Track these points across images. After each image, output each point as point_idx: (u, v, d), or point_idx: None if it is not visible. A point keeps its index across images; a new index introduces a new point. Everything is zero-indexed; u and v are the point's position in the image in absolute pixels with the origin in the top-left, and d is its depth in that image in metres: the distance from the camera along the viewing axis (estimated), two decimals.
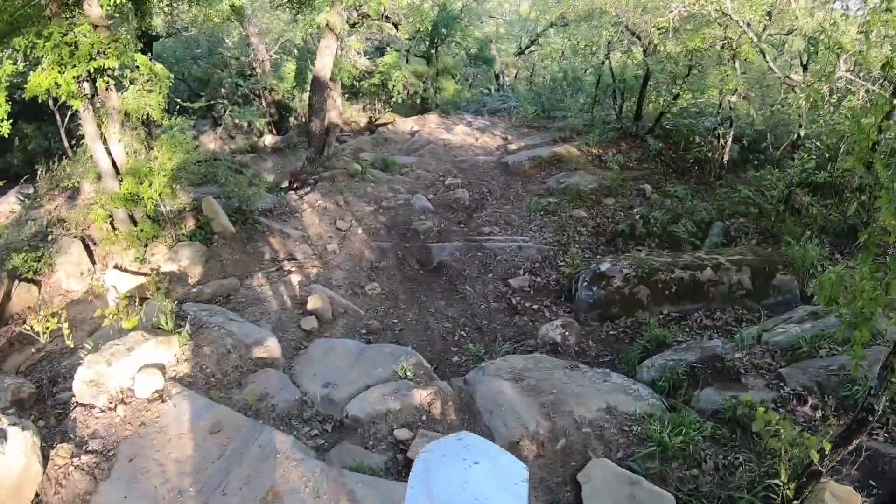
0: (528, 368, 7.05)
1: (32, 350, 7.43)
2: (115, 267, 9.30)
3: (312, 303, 8.69)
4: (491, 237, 11.33)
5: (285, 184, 14.53)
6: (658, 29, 12.98)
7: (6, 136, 8.25)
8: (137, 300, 8.72)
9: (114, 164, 9.49)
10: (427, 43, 22.82)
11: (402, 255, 10.61)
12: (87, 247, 9.85)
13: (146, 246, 9.57)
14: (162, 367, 6.71)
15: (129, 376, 6.45)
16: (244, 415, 6.19)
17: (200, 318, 7.71)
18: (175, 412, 6.14)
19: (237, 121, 19.59)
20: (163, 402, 6.30)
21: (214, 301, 8.90)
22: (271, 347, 7.35)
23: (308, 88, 19.24)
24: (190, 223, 9.99)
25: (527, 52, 29.13)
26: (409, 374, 6.87)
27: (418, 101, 21.24)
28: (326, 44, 15.22)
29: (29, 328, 7.00)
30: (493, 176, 14.33)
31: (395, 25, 18.33)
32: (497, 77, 27.51)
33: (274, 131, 18.88)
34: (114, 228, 9.66)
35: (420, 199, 12.45)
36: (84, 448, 5.84)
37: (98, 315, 6.68)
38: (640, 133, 15.39)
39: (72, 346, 6.69)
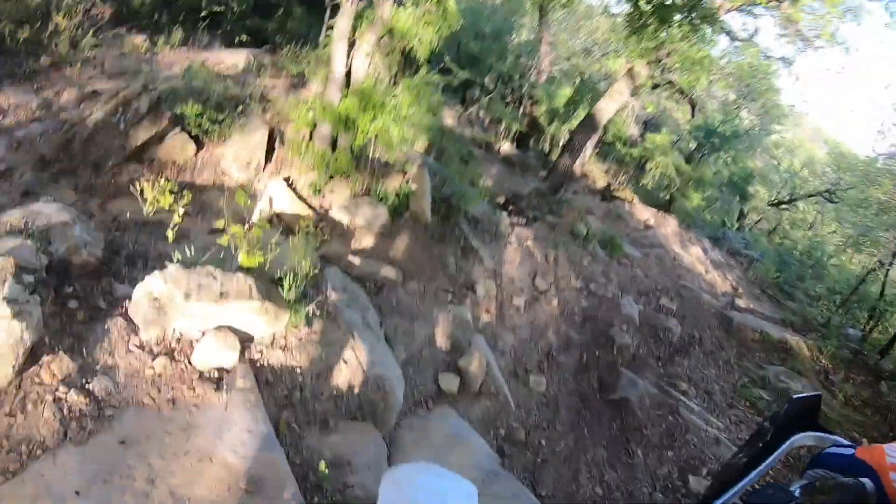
0: None
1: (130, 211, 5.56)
2: (286, 180, 7.42)
3: (467, 361, 6.37)
4: (684, 400, 8.56)
5: (501, 199, 12.42)
6: None
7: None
8: (282, 230, 6.80)
9: (348, 76, 7.63)
10: (694, 144, 20.00)
11: (586, 361, 8.08)
12: (271, 140, 7.95)
13: (331, 178, 7.61)
14: (247, 342, 4.60)
15: (199, 328, 4.39)
16: (301, 484, 3.93)
17: (333, 302, 5.61)
18: (219, 418, 3.95)
19: (481, 112, 17.79)
20: (217, 389, 4.15)
21: (364, 284, 6.81)
22: (392, 399, 5.08)
23: (570, 121, 17.20)
24: (389, 183, 7.95)
25: (781, 207, 25.53)
26: None
27: (665, 196, 18.53)
28: (620, 89, 12.96)
29: (138, 190, 5.13)
30: (711, 324, 11.45)
31: (693, 109, 15.78)
32: (741, 216, 24.16)
33: (515, 143, 16.92)
34: (310, 140, 7.81)
35: (629, 305, 9.87)
36: (85, 380, 3.80)
37: (219, 225, 4.68)
38: (880, 372, 11.90)
39: (172, 236, 4.75)
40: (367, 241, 7.36)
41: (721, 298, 13.01)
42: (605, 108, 12.75)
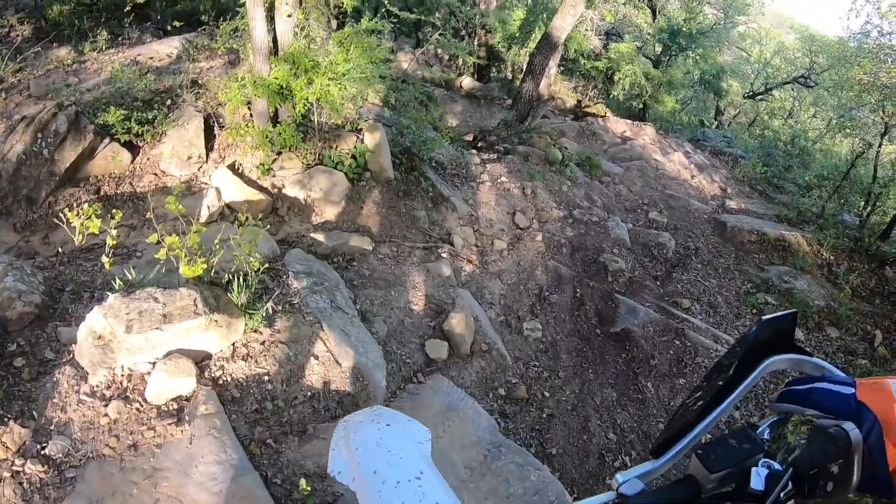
0: None
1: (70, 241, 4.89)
2: (231, 167, 6.67)
3: (451, 322, 5.77)
4: (689, 317, 8.00)
5: (468, 136, 11.62)
6: None
7: None
8: (234, 221, 6.09)
9: (274, 42, 6.79)
10: (660, 48, 19.01)
11: (580, 295, 7.48)
12: (209, 128, 7.23)
13: (279, 154, 6.87)
14: (205, 360, 4.02)
15: (148, 359, 3.80)
16: None
17: (296, 291, 4.98)
18: (184, 455, 3.45)
19: (439, 51, 16.79)
20: (178, 423, 3.61)
21: (331, 259, 6.16)
22: (371, 387, 4.50)
23: (529, 44, 16.19)
24: (342, 146, 7.22)
25: (757, 98, 24.71)
26: None
27: (638, 105, 17.65)
28: (573, 2, 12.01)
29: (63, 218, 4.41)
30: (705, 232, 10.85)
31: (654, 12, 14.82)
32: (717, 113, 23.32)
33: (475, 76, 15.97)
34: (251, 118, 7.01)
35: (618, 226, 9.23)
36: (41, 446, 3.34)
37: (152, 241, 3.98)
38: (883, 258, 11.35)
39: (109, 265, 4.10)
40: (328, 212, 6.69)
41: (711, 202, 12.42)
42: (561, 25, 11.83)
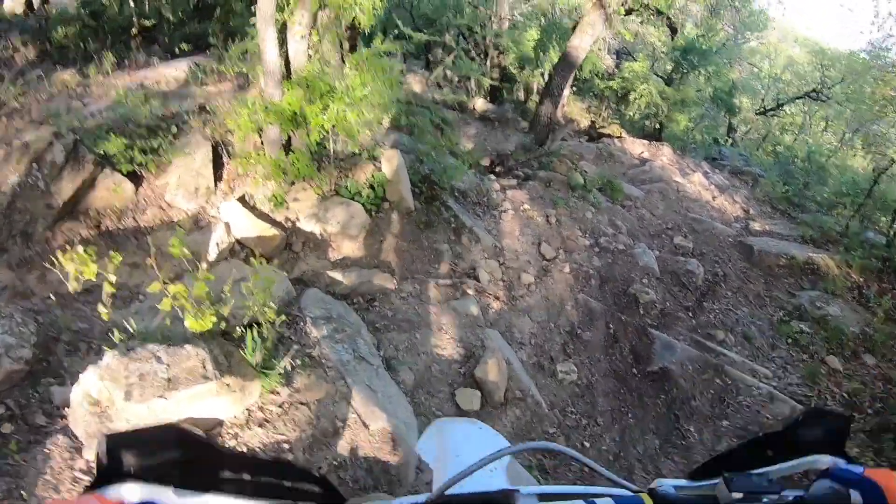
0: None
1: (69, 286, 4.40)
2: (241, 199, 6.24)
3: (484, 370, 5.30)
4: (725, 353, 7.51)
5: (485, 161, 11.19)
6: None
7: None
8: (246, 258, 5.66)
9: (287, 65, 6.36)
10: (671, 66, 18.56)
11: (613, 331, 6.99)
12: (218, 157, 6.78)
13: (292, 184, 6.43)
14: (215, 427, 3.55)
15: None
16: None
17: (316, 340, 4.52)
18: None
19: (448, 72, 16.40)
20: None
21: (351, 300, 5.70)
22: (403, 451, 4.00)
23: (540, 63, 15.79)
24: (359, 175, 6.79)
25: (769, 114, 24.27)
26: None
27: (653, 125, 17.20)
28: (591, 21, 11.65)
29: (55, 263, 3.95)
30: (732, 256, 10.36)
31: (673, 31, 14.40)
32: (730, 130, 22.83)
33: (488, 98, 15.57)
34: (262, 146, 6.59)
35: (645, 254, 8.76)
36: None
37: (154, 290, 3.50)
38: None
39: (106, 317, 3.64)
40: (346, 247, 6.25)
41: (734, 225, 11.92)
42: (580, 45, 11.47)
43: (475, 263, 6.94)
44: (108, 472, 0.72)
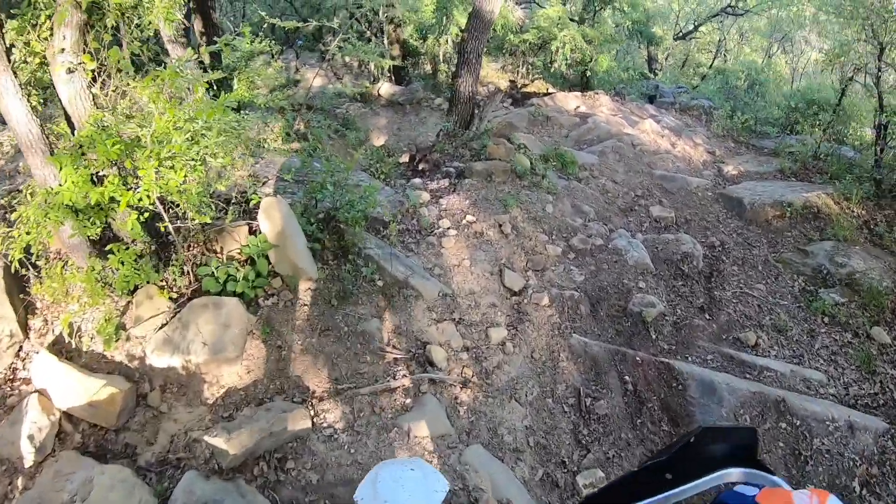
0: None
1: None
2: (52, 345, 3.78)
3: None
4: (765, 360, 5.52)
5: (404, 158, 8.84)
6: None
7: None
8: (81, 444, 3.31)
9: (69, 120, 3.81)
10: (582, 6, 16.37)
11: (632, 386, 4.85)
12: (21, 284, 4.20)
13: (132, 294, 4.01)
14: None
15: None
16: None
17: None
18: None
19: (348, 59, 13.84)
20: None
21: (250, 473, 3.41)
22: None
23: (444, 30, 13.36)
24: (231, 244, 4.43)
25: (687, 38, 22.64)
26: None
27: (579, 74, 15.02)
28: None
29: None
30: (720, 216, 8.37)
31: None
32: (650, 61, 20.94)
33: (393, 79, 13.12)
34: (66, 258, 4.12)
35: (630, 245, 6.67)
36: None
37: None
38: None
39: None
40: (228, 376, 3.92)
41: (706, 173, 9.96)
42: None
43: (422, 335, 4.66)
44: None
